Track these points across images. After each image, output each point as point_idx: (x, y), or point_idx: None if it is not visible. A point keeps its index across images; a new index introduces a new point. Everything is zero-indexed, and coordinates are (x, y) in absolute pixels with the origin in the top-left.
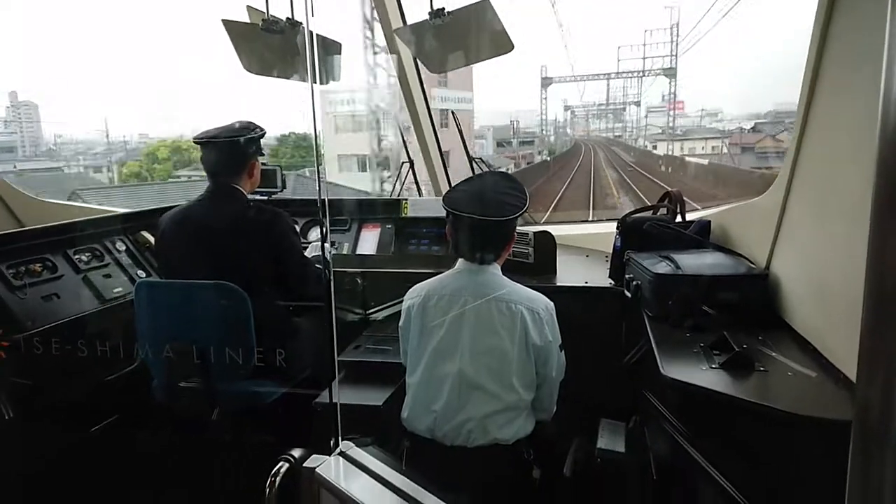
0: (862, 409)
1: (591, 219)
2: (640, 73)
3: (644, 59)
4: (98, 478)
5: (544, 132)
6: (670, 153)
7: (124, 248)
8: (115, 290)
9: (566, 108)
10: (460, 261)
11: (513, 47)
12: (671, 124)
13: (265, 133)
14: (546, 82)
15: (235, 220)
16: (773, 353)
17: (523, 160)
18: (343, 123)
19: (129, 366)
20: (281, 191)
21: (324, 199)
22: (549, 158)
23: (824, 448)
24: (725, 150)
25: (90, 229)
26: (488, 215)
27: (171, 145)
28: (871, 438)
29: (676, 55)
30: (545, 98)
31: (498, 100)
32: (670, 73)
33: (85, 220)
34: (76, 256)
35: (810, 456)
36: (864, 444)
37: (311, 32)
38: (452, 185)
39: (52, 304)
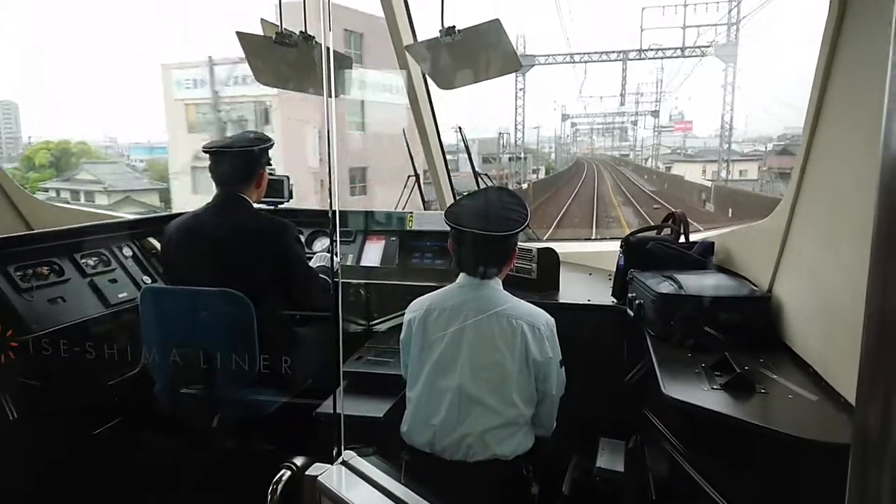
0: (860, 432)
1: (594, 237)
2: (676, 52)
3: (684, 28)
4: (100, 481)
5: (519, 141)
6: (725, 180)
7: (131, 253)
8: (121, 295)
9: (564, 116)
10: (462, 275)
11: (521, 66)
12: (726, 139)
13: (273, 143)
14: (525, 62)
15: (242, 230)
16: (774, 376)
17: (511, 179)
18: (200, 118)
19: (132, 370)
20: (287, 201)
21: (335, 211)
22: (524, 185)
23: (823, 471)
24: (753, 176)
25: (97, 234)
26: (490, 230)
27: (57, 148)
28: (868, 462)
29: (738, 23)
30: (522, 89)
31: (487, 110)
32: (725, 51)
33: (92, 224)
34: (83, 261)
35: (809, 478)
36: (861, 467)
37: (328, 48)
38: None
39: (58, 307)
